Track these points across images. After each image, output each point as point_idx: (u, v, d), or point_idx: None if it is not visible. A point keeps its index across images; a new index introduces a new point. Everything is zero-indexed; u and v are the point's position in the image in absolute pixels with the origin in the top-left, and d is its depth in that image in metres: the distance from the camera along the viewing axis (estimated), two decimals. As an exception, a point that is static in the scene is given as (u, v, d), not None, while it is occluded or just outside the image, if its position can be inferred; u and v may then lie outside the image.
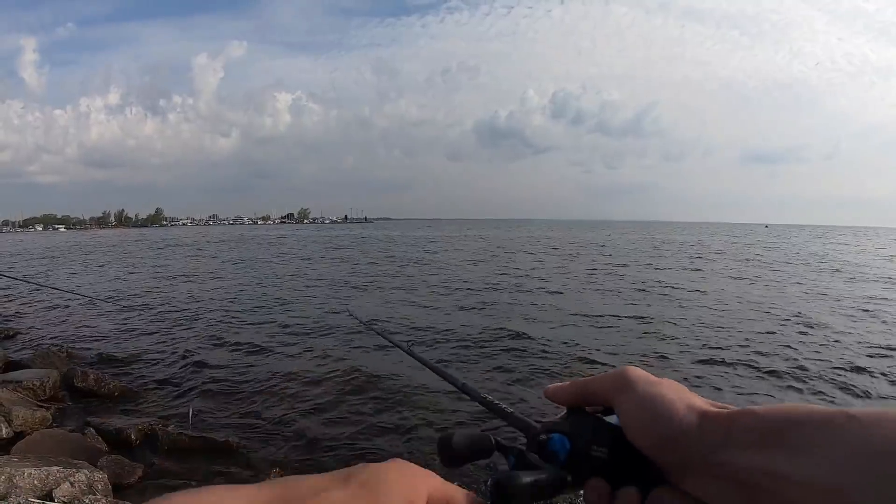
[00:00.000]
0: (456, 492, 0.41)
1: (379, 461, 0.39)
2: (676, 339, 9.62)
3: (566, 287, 16.79)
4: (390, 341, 1.49)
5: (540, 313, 12.20)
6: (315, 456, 5.06)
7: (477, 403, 0.68)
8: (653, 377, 0.45)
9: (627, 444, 0.43)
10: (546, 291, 15.76)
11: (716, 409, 0.40)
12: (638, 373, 0.45)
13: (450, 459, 0.47)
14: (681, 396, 0.42)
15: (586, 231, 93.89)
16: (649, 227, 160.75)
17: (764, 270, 22.74)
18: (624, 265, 24.72)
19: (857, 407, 0.36)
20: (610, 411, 0.46)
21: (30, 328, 10.80)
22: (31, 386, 6.12)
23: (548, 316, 11.88)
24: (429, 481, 0.40)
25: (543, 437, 0.47)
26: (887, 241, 62.66)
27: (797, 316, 11.79)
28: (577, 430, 0.46)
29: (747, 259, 29.55)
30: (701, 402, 0.42)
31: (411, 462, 0.40)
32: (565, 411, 0.49)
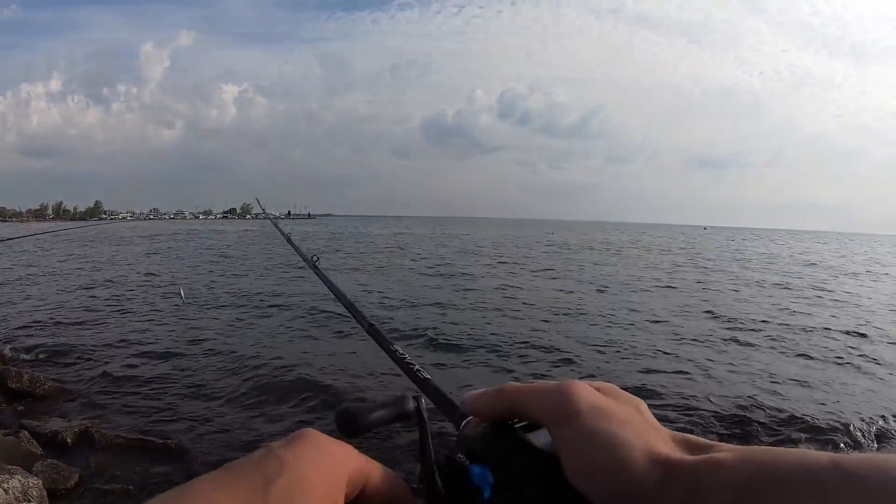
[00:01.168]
0: (374, 467, 0.35)
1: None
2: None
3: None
4: (301, 255, 1.53)
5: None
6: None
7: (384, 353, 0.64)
8: (603, 401, 0.36)
9: (566, 480, 0.35)
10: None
11: (679, 458, 0.33)
12: (584, 394, 0.36)
13: (351, 429, 0.38)
14: (639, 436, 0.34)
15: (525, 229, 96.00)
16: (587, 226, 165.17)
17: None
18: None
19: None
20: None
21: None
22: (-40, 388, 6.00)
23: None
24: (345, 456, 0.34)
25: (463, 460, 0.38)
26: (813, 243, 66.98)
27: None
28: (505, 460, 0.37)
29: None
30: (663, 444, 0.34)
31: (321, 433, 0.34)
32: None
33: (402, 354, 0.64)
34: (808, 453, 0.30)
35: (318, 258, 1.42)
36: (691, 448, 0.34)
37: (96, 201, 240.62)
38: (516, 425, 0.39)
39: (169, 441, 5.30)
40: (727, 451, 0.32)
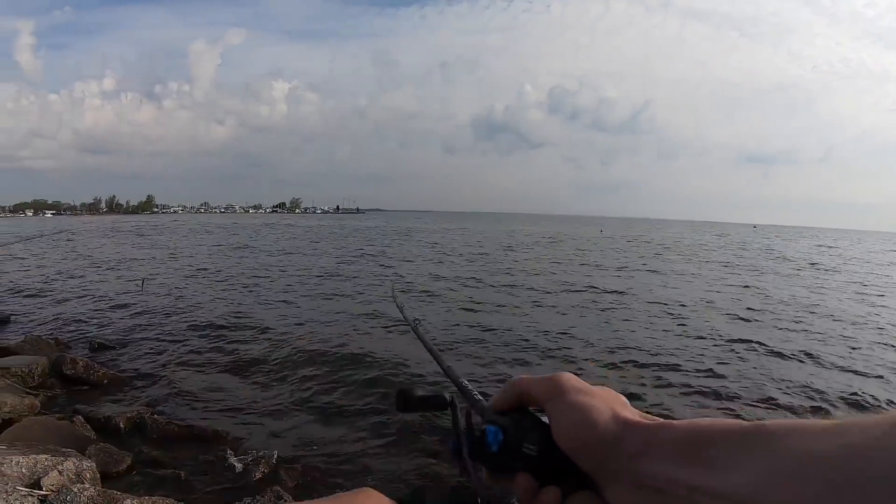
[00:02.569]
0: None
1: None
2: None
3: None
4: (400, 310, 1.43)
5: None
6: (306, 452, 5.02)
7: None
8: (584, 385, 0.48)
9: (555, 445, 0.47)
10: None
11: (637, 419, 0.44)
12: (570, 380, 0.48)
13: (405, 406, 0.55)
14: (609, 406, 0.45)
15: (576, 226, 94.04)
16: (637, 224, 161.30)
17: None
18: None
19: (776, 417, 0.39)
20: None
21: (22, 314, 10.74)
22: (19, 373, 6.10)
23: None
24: None
25: (480, 427, 0.51)
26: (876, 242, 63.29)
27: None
28: (512, 425, 0.50)
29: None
30: (629, 413, 0.45)
31: (380, 493, 0.43)
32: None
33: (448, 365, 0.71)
34: (741, 421, 0.38)
35: (419, 322, 1.29)
36: (651, 420, 0.44)
37: (148, 195, 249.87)
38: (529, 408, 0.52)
39: (220, 430, 5.24)
40: (681, 420, 0.41)
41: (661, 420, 0.42)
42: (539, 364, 7.77)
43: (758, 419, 0.38)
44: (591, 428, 0.44)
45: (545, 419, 0.49)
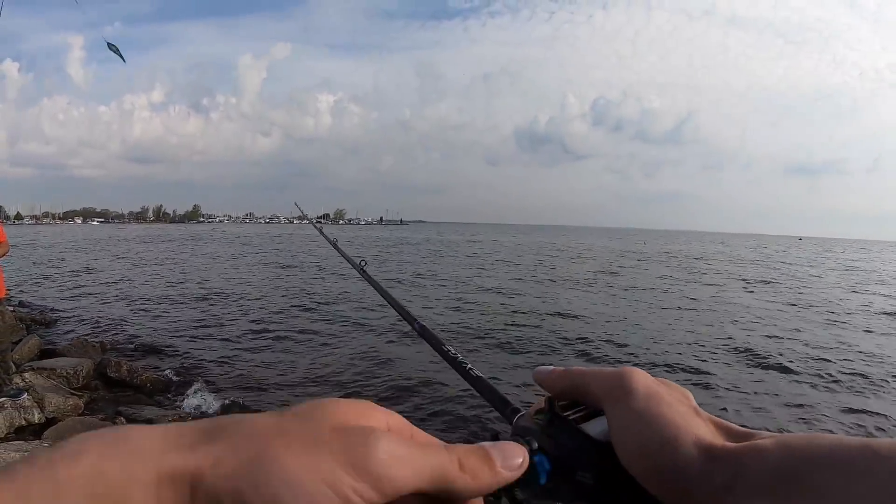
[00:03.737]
0: (420, 433, 0.34)
1: None
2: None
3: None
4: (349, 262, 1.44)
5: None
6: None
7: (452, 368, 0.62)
8: (656, 387, 0.38)
9: (617, 464, 0.37)
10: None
11: (722, 445, 0.34)
12: (640, 378, 0.39)
13: None
14: (686, 421, 0.36)
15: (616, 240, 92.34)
16: (683, 236, 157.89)
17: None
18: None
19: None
20: (595, 413, 0.40)
21: (69, 317, 11.01)
22: (64, 374, 6.15)
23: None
24: (390, 417, 0.32)
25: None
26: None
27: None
28: (559, 448, 0.39)
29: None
30: (706, 430, 0.36)
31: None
32: (545, 405, 0.41)
33: (455, 354, 0.62)
34: (843, 438, 0.31)
35: (365, 262, 1.38)
36: (732, 435, 0.36)
37: (195, 205, 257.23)
38: (570, 417, 0.40)
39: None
40: (766, 438, 0.34)
41: (749, 442, 0.34)
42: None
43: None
44: (668, 452, 0.34)
45: (597, 425, 0.39)
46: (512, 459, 0.33)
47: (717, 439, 0.35)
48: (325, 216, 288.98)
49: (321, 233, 1.98)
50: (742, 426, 0.37)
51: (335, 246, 1.76)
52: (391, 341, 9.09)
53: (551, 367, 0.44)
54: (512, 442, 0.35)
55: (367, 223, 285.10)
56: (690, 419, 0.36)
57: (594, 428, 0.39)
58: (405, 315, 0.91)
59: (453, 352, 0.64)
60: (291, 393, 6.54)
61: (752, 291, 18.62)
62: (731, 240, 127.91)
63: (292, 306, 12.98)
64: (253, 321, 10.85)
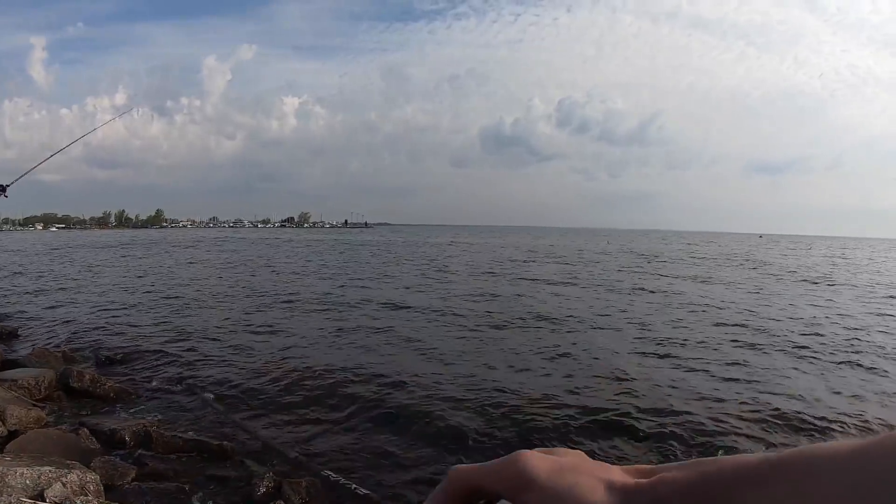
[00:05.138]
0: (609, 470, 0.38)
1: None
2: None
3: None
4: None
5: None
6: (312, 467, 4.98)
7: None
8: (552, 460, 0.38)
9: None
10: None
11: (634, 482, 0.36)
12: (534, 459, 0.38)
13: None
14: (593, 476, 0.37)
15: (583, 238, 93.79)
16: (646, 235, 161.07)
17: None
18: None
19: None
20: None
21: (31, 327, 10.81)
22: (26, 385, 6.11)
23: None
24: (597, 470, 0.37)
25: None
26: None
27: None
28: None
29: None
30: (615, 475, 0.37)
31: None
32: None
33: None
34: (745, 456, 0.34)
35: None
36: (641, 474, 0.37)
37: (157, 210, 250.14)
38: None
39: (225, 443, 5.20)
40: (675, 468, 0.36)
41: (659, 476, 0.36)
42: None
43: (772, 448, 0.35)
44: None
45: None
46: None
47: (627, 479, 0.36)
48: (290, 219, 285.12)
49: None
50: (648, 464, 0.39)
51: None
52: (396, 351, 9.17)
53: (433, 492, 0.41)
54: None
55: (332, 226, 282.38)
56: (597, 472, 0.37)
57: None
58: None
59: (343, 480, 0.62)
60: (262, 405, 6.58)
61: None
62: (691, 237, 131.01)
63: (260, 305, 13.03)
64: (216, 325, 10.85)
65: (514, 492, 0.37)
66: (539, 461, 0.38)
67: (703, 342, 10.07)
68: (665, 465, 0.37)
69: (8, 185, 5.99)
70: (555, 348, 9.34)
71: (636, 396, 6.81)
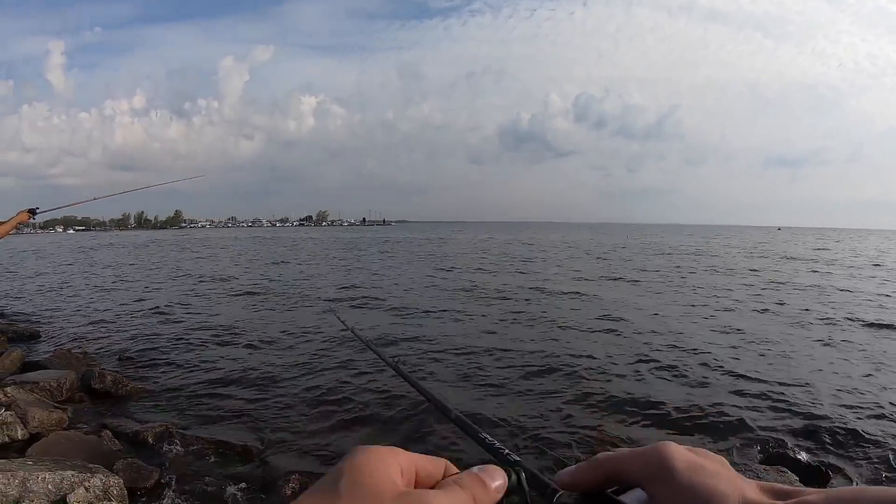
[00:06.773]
0: (421, 459, 0.37)
1: None
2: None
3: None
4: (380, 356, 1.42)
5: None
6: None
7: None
8: (694, 457, 0.39)
9: None
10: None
11: (769, 502, 0.35)
12: (676, 452, 0.39)
13: None
14: (731, 485, 0.36)
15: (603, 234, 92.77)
16: (666, 230, 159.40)
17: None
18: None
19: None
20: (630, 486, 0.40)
21: (53, 328, 10.84)
22: (47, 387, 6.07)
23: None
24: (397, 457, 0.36)
25: None
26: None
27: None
28: None
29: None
30: (752, 492, 0.36)
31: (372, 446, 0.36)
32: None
33: (492, 441, 0.61)
34: (888, 489, 0.33)
35: (400, 360, 1.39)
36: (778, 494, 0.37)
37: (176, 211, 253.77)
38: (607, 492, 0.41)
39: (248, 445, 5.11)
40: (813, 494, 0.35)
41: (797, 498, 0.35)
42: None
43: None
44: None
45: (634, 498, 0.40)
46: (497, 481, 0.36)
47: (763, 499, 0.36)
48: (308, 218, 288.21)
49: (353, 332, 2.05)
50: (790, 485, 0.38)
51: (368, 345, 1.74)
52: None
53: (574, 467, 0.43)
54: (493, 466, 0.38)
55: (350, 224, 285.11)
56: (736, 484, 0.37)
57: (632, 500, 0.40)
58: (441, 407, 0.91)
59: (490, 438, 0.63)
60: (285, 405, 6.45)
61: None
62: (705, 232, 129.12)
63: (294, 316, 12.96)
64: (247, 333, 10.77)
65: (651, 480, 0.38)
66: (682, 455, 0.38)
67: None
68: (805, 489, 0.36)
69: (39, 211, 6.20)
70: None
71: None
